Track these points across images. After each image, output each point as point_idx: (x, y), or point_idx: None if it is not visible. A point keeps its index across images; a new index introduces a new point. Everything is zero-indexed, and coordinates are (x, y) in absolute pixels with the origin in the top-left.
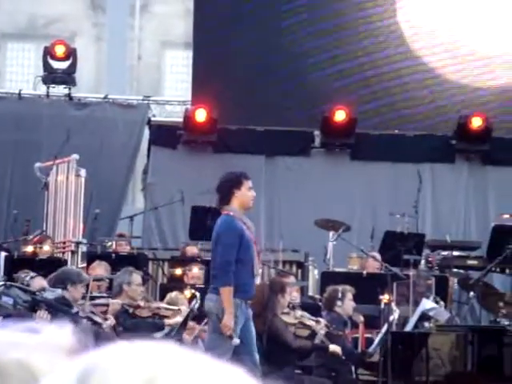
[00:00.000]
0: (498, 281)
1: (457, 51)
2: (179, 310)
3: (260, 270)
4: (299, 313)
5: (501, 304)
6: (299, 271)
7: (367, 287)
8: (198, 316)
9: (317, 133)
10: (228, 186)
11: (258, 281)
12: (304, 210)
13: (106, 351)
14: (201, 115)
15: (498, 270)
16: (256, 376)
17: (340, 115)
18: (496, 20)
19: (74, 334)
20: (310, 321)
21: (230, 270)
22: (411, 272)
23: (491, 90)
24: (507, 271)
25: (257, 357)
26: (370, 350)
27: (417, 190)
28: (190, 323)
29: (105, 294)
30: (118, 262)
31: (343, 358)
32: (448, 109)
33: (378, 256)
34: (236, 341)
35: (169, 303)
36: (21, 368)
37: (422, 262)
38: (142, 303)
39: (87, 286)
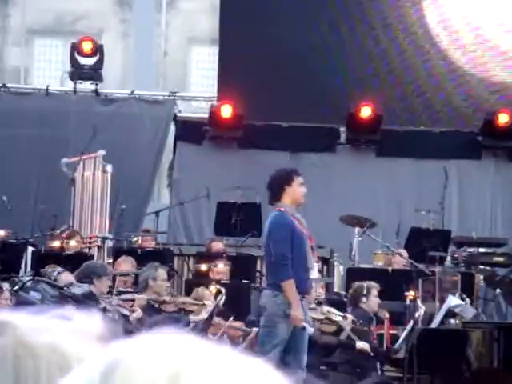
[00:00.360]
0: None
1: (484, 48)
2: (204, 304)
3: (316, 265)
4: (326, 308)
5: None
6: (325, 267)
7: (393, 284)
8: (224, 312)
9: (342, 129)
10: (279, 183)
11: (314, 275)
12: (329, 206)
13: (131, 346)
14: (226, 111)
15: None
16: (284, 371)
17: (366, 111)
18: None
19: (104, 323)
20: (336, 316)
21: (287, 264)
22: (437, 268)
23: None
24: None
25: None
26: (396, 346)
27: (443, 186)
28: (216, 319)
29: (130, 289)
30: (143, 257)
31: (371, 354)
32: (475, 105)
33: (404, 252)
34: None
35: (195, 298)
36: (53, 351)
37: (448, 258)
38: (167, 298)
39: (113, 281)
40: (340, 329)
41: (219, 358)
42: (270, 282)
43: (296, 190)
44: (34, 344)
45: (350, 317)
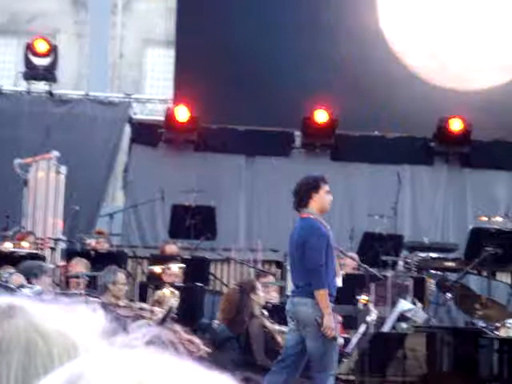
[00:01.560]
0: (475, 283)
1: (438, 54)
2: (153, 312)
3: (341, 272)
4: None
5: (477, 306)
6: (278, 271)
7: (345, 287)
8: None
9: (297, 133)
10: (307, 189)
11: (340, 282)
12: (284, 209)
13: (92, 358)
14: (182, 114)
15: (475, 272)
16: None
17: (321, 116)
18: (478, 24)
19: (106, 320)
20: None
21: (322, 273)
22: (389, 273)
23: (471, 93)
24: (484, 273)
25: None
26: (348, 350)
27: (396, 191)
28: (174, 326)
29: (83, 292)
30: (97, 259)
31: None
32: (428, 111)
33: (356, 257)
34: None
35: (157, 301)
36: (64, 338)
37: (400, 263)
38: (121, 303)
39: (67, 283)
40: None
41: (180, 371)
42: (307, 291)
43: (323, 198)
44: (47, 328)
45: None
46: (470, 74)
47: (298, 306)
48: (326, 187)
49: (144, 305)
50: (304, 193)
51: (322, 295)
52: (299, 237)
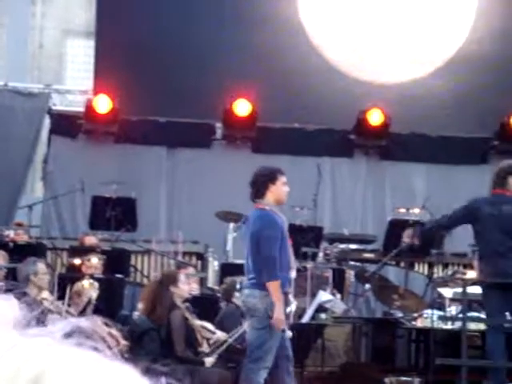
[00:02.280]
0: (393, 274)
1: (357, 47)
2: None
3: (295, 264)
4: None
5: (395, 296)
6: (199, 262)
7: None
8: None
9: (218, 125)
10: (264, 180)
11: (294, 275)
12: (205, 201)
13: None
14: (102, 105)
15: (393, 263)
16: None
17: (242, 108)
18: (396, 19)
19: (21, 309)
20: (207, 333)
21: (276, 264)
22: (309, 264)
23: (390, 87)
24: (402, 264)
25: None
26: None
27: (316, 183)
28: (94, 318)
29: (1, 283)
30: (16, 251)
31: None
32: (348, 104)
33: None
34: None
35: (76, 293)
36: None
37: (320, 254)
38: (44, 294)
39: None
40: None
41: (84, 361)
42: (257, 281)
43: (280, 189)
44: None
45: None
46: (389, 68)
47: (248, 297)
48: (283, 178)
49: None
50: (261, 184)
51: (274, 286)
52: (253, 228)
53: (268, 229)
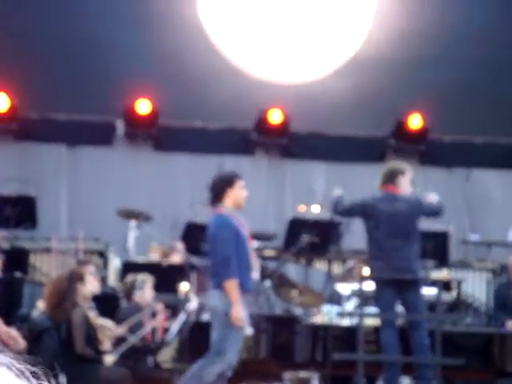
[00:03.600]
0: (294, 271)
1: (258, 47)
2: None
3: (257, 265)
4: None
5: (294, 293)
6: (100, 260)
7: (167, 276)
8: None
9: (120, 122)
10: (221, 185)
11: (256, 275)
12: (106, 199)
13: None
14: (1, 103)
15: (293, 260)
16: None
17: (143, 106)
18: (298, 19)
19: None
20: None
21: (231, 264)
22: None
23: (290, 86)
24: (302, 262)
25: None
26: (168, 338)
27: None
28: None
29: None
30: None
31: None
32: (249, 103)
33: (180, 245)
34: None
35: None
36: None
37: None
38: None
39: None
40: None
41: None
42: (216, 282)
43: (238, 193)
44: None
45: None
46: (289, 68)
47: (209, 298)
48: (240, 183)
49: None
50: (219, 189)
51: (231, 286)
52: (211, 231)
53: (222, 230)
